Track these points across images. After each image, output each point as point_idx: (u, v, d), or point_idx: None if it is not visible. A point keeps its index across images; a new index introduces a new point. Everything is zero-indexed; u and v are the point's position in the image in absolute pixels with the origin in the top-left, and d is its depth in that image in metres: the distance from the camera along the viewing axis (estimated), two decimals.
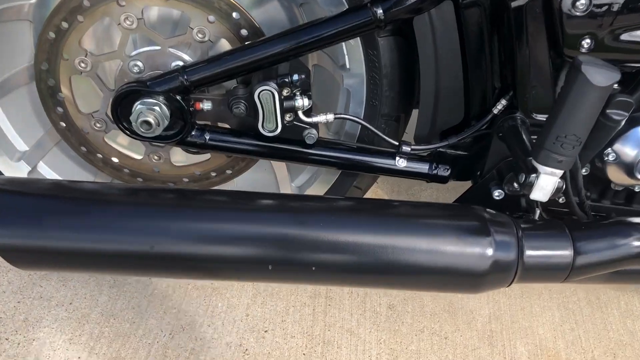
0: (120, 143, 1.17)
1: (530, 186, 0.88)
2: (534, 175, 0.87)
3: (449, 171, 1.09)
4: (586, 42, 0.91)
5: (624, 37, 0.92)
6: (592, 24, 0.90)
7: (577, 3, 0.88)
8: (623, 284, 1.42)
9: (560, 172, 0.87)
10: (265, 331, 1.31)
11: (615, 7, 0.89)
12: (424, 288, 1.02)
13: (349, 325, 1.33)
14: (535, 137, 0.98)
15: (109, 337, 1.27)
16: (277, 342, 1.29)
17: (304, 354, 1.28)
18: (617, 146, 1.05)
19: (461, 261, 0.96)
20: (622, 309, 1.42)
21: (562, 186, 0.89)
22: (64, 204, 0.96)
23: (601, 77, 0.80)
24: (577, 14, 0.89)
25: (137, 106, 0.98)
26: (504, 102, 1.01)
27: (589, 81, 0.79)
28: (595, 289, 1.46)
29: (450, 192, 1.68)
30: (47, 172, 1.23)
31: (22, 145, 1.20)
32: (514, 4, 0.90)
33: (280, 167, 1.23)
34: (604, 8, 0.89)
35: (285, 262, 0.95)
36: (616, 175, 1.08)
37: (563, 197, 1.08)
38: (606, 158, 1.06)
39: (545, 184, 0.87)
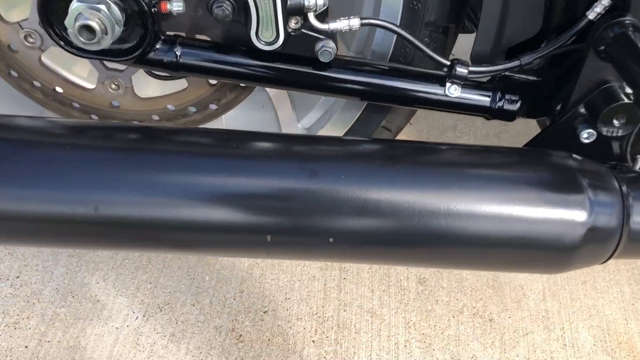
0: (64, 65, 0.86)
1: None
2: None
3: (519, 104, 0.79)
4: None
5: None
6: None
7: None
8: None
9: None
10: (265, 312, 1.04)
11: None
12: (486, 267, 0.74)
13: (370, 305, 1.05)
14: None
15: (65, 319, 1.00)
16: (280, 325, 1.02)
17: (313, 341, 1.00)
18: None
19: (542, 230, 0.67)
20: None
21: None
22: (17, 151, 0.66)
23: None
24: None
25: (75, 4, 0.67)
26: (605, 1, 0.69)
27: None
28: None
29: (493, 142, 1.37)
30: None
31: None
32: None
33: (282, 101, 0.92)
34: None
35: (290, 230, 0.66)
36: None
37: None
38: None
39: None
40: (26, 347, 0.96)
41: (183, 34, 0.76)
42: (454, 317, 1.05)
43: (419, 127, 1.40)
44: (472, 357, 1.01)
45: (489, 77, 0.78)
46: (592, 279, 1.14)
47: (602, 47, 0.69)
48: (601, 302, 1.10)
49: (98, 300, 1.03)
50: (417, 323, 1.04)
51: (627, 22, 0.68)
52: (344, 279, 1.09)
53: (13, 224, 0.64)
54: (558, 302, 1.09)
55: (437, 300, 1.07)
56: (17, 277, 1.05)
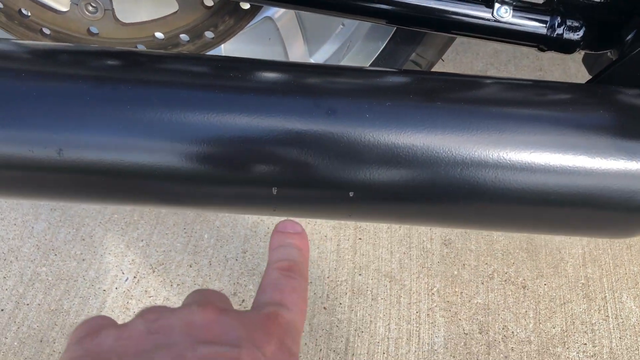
0: None
1: None
2: None
3: (582, 32, 0.64)
4: None
5: None
6: None
7: None
8: None
9: None
10: None
11: None
12: (543, 229, 0.61)
13: (388, 268, 0.94)
14: None
15: (46, 280, 0.89)
16: None
17: (324, 308, 0.89)
18: None
19: (613, 184, 0.54)
20: None
21: None
22: None
23: None
24: None
25: None
26: None
27: None
28: None
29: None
30: None
31: None
32: None
33: (291, 32, 0.78)
34: None
35: (301, 182, 0.53)
36: None
37: None
38: None
39: None
40: (2, 310, 0.86)
41: None
42: (482, 283, 0.93)
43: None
44: (503, 328, 0.89)
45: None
46: (637, 242, 1.01)
47: None
48: None
49: (83, 259, 0.92)
50: (442, 289, 0.92)
51: None
52: (360, 239, 0.97)
53: None
54: (600, 268, 0.97)
55: (464, 265, 0.95)
56: None
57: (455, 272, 0.94)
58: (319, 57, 0.81)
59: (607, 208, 0.55)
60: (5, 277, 0.89)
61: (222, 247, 0.95)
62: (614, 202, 0.55)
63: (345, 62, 0.79)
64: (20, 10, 0.72)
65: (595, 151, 0.53)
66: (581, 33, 0.64)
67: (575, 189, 0.54)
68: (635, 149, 0.54)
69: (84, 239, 0.94)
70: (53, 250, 0.92)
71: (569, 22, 0.63)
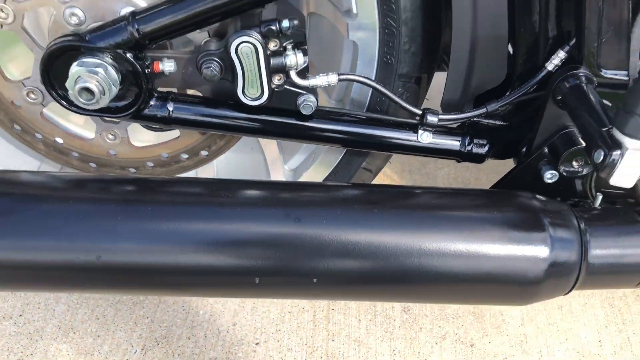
0: (65, 118, 0.92)
1: (611, 167, 0.64)
2: (617, 152, 0.63)
3: (487, 147, 0.85)
4: None
5: None
6: None
7: None
8: None
9: None
10: (257, 344, 1.08)
11: None
12: (459, 301, 0.79)
13: (357, 334, 1.11)
14: (607, 100, 0.74)
15: (67, 355, 1.05)
16: (271, 356, 1.07)
17: None
18: None
19: (507, 266, 0.73)
20: None
21: None
22: (14, 203, 0.71)
23: None
24: None
25: (75, 68, 0.73)
26: (562, 54, 0.76)
27: None
28: None
29: (472, 170, 1.44)
30: None
31: None
32: None
33: (269, 145, 0.99)
34: None
35: (276, 273, 0.71)
36: None
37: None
38: None
39: (635, 163, 0.63)
40: None
41: (174, 90, 0.82)
42: (437, 343, 1.11)
43: (403, 158, 1.46)
44: None
45: (459, 123, 0.85)
46: (568, 303, 1.20)
47: (559, 97, 0.76)
48: (576, 326, 1.16)
49: (98, 336, 1.08)
50: (402, 350, 1.09)
51: (580, 74, 0.75)
52: (332, 309, 1.14)
53: (27, 272, 0.69)
54: (536, 327, 1.15)
55: (420, 328, 1.13)
56: (20, 315, 1.09)
57: (414, 335, 1.11)
58: (292, 164, 1.02)
59: (508, 283, 0.74)
60: (31, 355, 1.04)
61: (215, 321, 1.11)
62: (511, 279, 0.74)
63: (313, 167, 0.99)
64: (55, 140, 0.91)
65: (495, 242, 0.73)
66: (487, 148, 0.85)
67: (482, 271, 0.73)
68: (524, 239, 0.73)
69: (98, 318, 1.10)
70: (72, 329, 1.08)
71: (476, 141, 0.85)
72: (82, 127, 0.93)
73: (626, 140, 0.62)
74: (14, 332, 1.07)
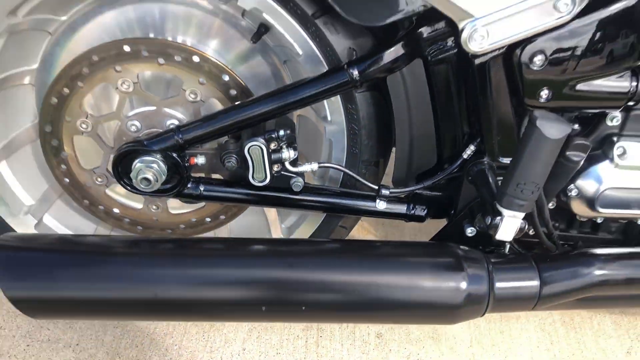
0: (121, 194, 1.26)
1: (495, 227, 0.97)
2: (498, 217, 0.97)
3: (426, 211, 1.19)
4: (544, 93, 1.02)
5: (578, 87, 1.03)
6: (549, 77, 1.01)
7: (535, 59, 0.98)
8: (591, 309, 1.51)
9: (521, 215, 0.97)
10: None
11: (569, 64, 0.99)
12: (404, 321, 1.11)
13: (340, 355, 1.41)
14: (501, 179, 1.08)
15: None
16: None
17: None
18: (579, 182, 1.15)
19: (438, 295, 1.05)
20: (594, 329, 1.52)
21: (525, 226, 0.99)
22: (70, 257, 1.04)
23: (554, 130, 0.90)
24: (535, 68, 0.99)
25: (137, 164, 1.07)
26: (472, 147, 1.11)
27: (543, 134, 0.89)
28: (569, 311, 1.55)
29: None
30: (52, 223, 1.31)
31: (28, 200, 1.28)
32: (477, 61, 1.00)
33: (270, 210, 1.32)
34: (559, 64, 0.99)
35: (277, 303, 1.04)
36: (580, 209, 1.18)
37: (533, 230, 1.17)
38: (570, 193, 1.16)
39: (509, 226, 0.96)
40: None
41: (204, 175, 1.16)
42: None
43: None
44: None
45: (405, 194, 1.18)
46: (508, 328, 1.51)
47: (470, 177, 1.10)
48: (514, 346, 1.47)
49: (138, 359, 1.38)
50: None
51: (485, 161, 1.10)
52: (321, 336, 1.45)
53: (105, 306, 1.01)
54: (482, 347, 1.46)
55: (390, 350, 1.43)
56: (77, 344, 1.40)
57: (385, 355, 1.42)
58: (287, 223, 1.35)
59: (438, 309, 1.06)
60: None
61: (229, 346, 1.42)
62: (440, 306, 1.06)
63: (303, 225, 1.31)
64: (113, 210, 1.25)
65: (428, 281, 1.05)
66: (425, 212, 1.19)
67: (420, 301, 1.05)
68: (449, 278, 1.05)
69: (137, 346, 1.40)
70: (117, 354, 1.38)
71: (418, 207, 1.18)
72: (133, 200, 1.26)
73: (503, 211, 0.96)
74: (73, 358, 1.37)
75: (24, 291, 1.00)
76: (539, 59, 0.98)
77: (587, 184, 1.15)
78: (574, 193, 1.16)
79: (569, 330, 1.51)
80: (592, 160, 1.14)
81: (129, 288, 1.02)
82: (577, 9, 0.93)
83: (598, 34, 0.97)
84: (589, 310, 1.55)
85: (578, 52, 0.98)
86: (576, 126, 1.14)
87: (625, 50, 0.99)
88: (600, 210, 1.16)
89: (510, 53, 0.98)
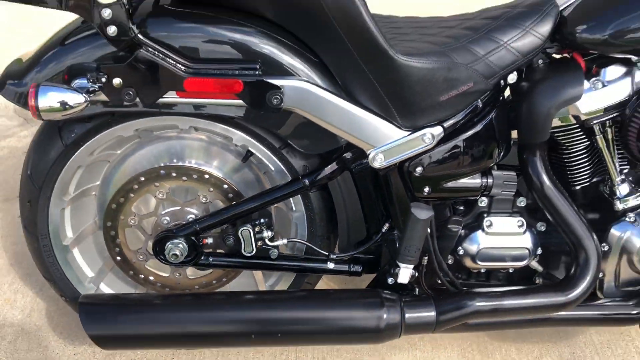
0: (155, 267, 1.83)
1: (397, 275, 1.55)
2: (397, 268, 1.55)
3: (361, 268, 1.76)
4: (426, 190, 1.62)
5: (447, 185, 1.63)
6: (428, 180, 1.61)
7: (417, 169, 1.59)
8: (477, 331, 2.04)
9: (411, 266, 1.55)
10: None
11: (438, 171, 1.60)
12: (346, 342, 1.66)
13: None
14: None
15: None
16: None
17: None
18: (464, 245, 1.73)
19: (367, 324, 1.61)
20: (503, 354, 2.04)
21: (415, 274, 1.57)
22: (127, 307, 1.60)
23: (423, 214, 1.49)
24: (418, 175, 1.60)
25: (168, 245, 1.65)
26: (387, 225, 1.70)
27: (416, 216, 1.49)
28: (484, 339, 2.09)
29: None
30: (106, 289, 1.87)
31: (90, 273, 1.85)
32: (381, 172, 1.61)
33: (257, 273, 1.89)
34: (432, 172, 1.60)
35: (262, 333, 1.60)
36: (467, 263, 1.75)
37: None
38: (459, 252, 1.74)
39: (403, 274, 1.54)
40: None
41: (212, 250, 1.74)
42: None
43: None
44: None
45: (347, 257, 1.76)
46: (437, 356, 2.04)
47: (386, 244, 1.68)
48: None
49: None
50: None
51: (395, 234, 1.68)
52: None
53: (160, 338, 1.56)
54: None
55: None
56: None
57: None
58: (270, 281, 1.91)
59: (365, 333, 1.61)
60: None
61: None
62: (369, 331, 1.61)
63: (281, 282, 1.87)
64: (149, 277, 1.81)
65: (360, 314, 1.61)
66: (361, 269, 1.76)
67: (354, 326, 1.60)
68: (375, 313, 1.61)
69: None
70: None
71: (356, 266, 1.75)
72: (163, 270, 1.83)
73: (399, 264, 1.54)
74: None
75: (99, 331, 1.56)
76: (419, 169, 1.59)
77: (469, 246, 1.73)
78: (461, 252, 1.74)
79: (484, 356, 2.04)
80: (470, 229, 1.73)
81: (164, 325, 1.58)
82: (436, 141, 1.55)
83: (453, 153, 1.59)
84: (500, 339, 2.09)
85: (443, 164, 1.59)
86: (461, 207, 1.73)
87: (473, 162, 1.60)
88: (480, 263, 1.74)
89: (401, 166, 1.59)
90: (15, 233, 2.43)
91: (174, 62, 1.39)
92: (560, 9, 1.57)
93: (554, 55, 1.64)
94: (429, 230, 1.54)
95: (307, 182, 1.62)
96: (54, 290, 1.85)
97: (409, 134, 1.54)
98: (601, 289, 1.79)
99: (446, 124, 1.55)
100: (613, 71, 1.57)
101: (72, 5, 1.30)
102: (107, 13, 1.29)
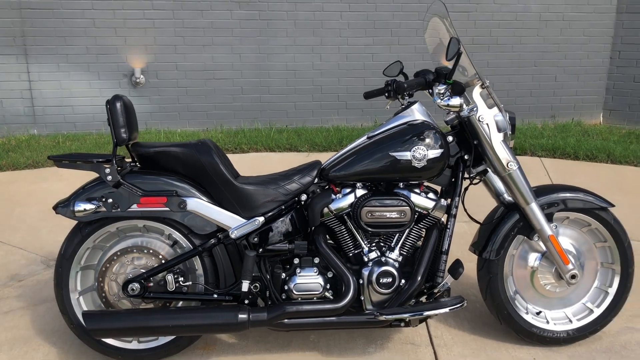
0: (122, 304, 3.36)
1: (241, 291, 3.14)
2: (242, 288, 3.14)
3: (232, 298, 3.32)
4: (261, 249, 3.28)
5: (273, 247, 3.30)
6: (261, 243, 3.28)
7: (254, 239, 3.27)
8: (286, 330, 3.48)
9: (247, 282, 3.14)
10: None
11: (264, 240, 3.28)
12: (218, 331, 3.14)
13: None
14: None
15: None
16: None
17: None
18: (288, 283, 3.32)
19: (228, 320, 3.13)
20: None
21: (253, 290, 3.16)
22: (114, 315, 3.14)
23: (252, 259, 3.15)
24: (254, 242, 3.27)
25: (129, 285, 3.23)
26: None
27: (248, 255, 3.14)
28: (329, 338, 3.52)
29: None
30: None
31: (85, 308, 3.36)
32: (237, 242, 3.28)
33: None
34: (261, 240, 3.28)
35: (177, 326, 3.12)
36: (290, 294, 3.32)
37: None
38: (284, 287, 3.32)
39: (245, 287, 3.13)
40: None
41: None
42: None
43: None
44: None
45: (223, 292, 3.32)
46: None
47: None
48: None
49: None
50: None
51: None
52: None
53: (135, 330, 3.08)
54: None
55: None
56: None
57: None
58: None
59: (230, 326, 3.13)
60: None
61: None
62: (231, 325, 3.13)
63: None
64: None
65: (226, 315, 3.15)
66: (231, 298, 3.32)
67: (221, 322, 3.13)
68: (234, 315, 3.15)
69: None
70: None
71: (226, 297, 3.31)
72: (126, 305, 3.37)
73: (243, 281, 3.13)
74: None
75: (93, 326, 3.07)
76: (255, 239, 3.27)
77: (290, 284, 3.33)
78: (286, 287, 3.32)
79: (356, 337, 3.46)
80: (289, 274, 3.35)
81: (130, 322, 3.10)
82: (261, 224, 3.26)
83: (271, 229, 3.29)
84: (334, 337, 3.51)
85: (266, 235, 3.28)
86: (285, 261, 3.37)
87: (283, 235, 3.30)
88: (295, 293, 3.31)
89: (247, 237, 3.27)
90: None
91: (135, 190, 3.15)
92: (322, 165, 3.39)
93: (321, 185, 3.43)
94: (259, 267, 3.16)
95: (200, 249, 3.27)
96: (65, 321, 3.35)
97: (248, 221, 3.25)
98: (364, 304, 3.34)
99: (266, 216, 3.28)
100: (346, 190, 3.34)
101: (91, 168, 3.10)
102: (107, 171, 3.08)
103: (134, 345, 3.26)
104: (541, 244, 3.43)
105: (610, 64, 9.34)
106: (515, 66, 9.10)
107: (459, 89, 3.14)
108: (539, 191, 3.47)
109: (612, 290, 3.60)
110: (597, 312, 3.59)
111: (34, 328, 3.76)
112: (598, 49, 9.27)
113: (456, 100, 3.10)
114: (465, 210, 3.54)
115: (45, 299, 4.13)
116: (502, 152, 3.27)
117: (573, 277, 3.42)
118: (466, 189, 3.49)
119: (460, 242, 4.70)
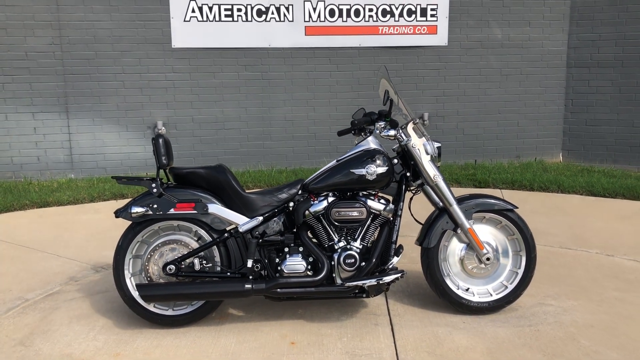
0: (160, 279, 4.68)
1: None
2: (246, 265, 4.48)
3: (240, 275, 4.63)
4: (261, 240, 4.63)
5: (268, 239, 4.65)
6: (261, 235, 4.64)
7: (256, 233, 4.62)
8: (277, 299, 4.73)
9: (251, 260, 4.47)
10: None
11: (261, 231, 4.64)
12: (226, 297, 4.42)
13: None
14: None
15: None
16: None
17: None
18: (281, 265, 4.65)
19: (239, 289, 4.45)
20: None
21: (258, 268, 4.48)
22: (160, 285, 4.47)
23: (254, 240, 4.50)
24: (256, 234, 4.62)
25: (167, 266, 4.56)
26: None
27: (251, 239, 4.49)
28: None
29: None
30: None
31: (134, 288, 4.68)
32: (245, 235, 4.63)
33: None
34: (261, 232, 4.64)
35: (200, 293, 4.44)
36: (281, 271, 4.65)
37: None
38: (278, 266, 4.65)
39: (249, 264, 4.46)
40: None
41: None
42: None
43: None
44: None
45: (235, 271, 4.63)
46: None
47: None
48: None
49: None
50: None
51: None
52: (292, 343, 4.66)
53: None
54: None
55: (307, 352, 4.64)
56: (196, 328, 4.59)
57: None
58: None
59: (236, 293, 4.44)
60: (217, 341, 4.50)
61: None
62: (235, 292, 4.44)
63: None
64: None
65: (235, 283, 4.46)
66: (240, 275, 4.64)
67: (230, 290, 4.44)
68: (242, 284, 4.46)
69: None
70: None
71: (236, 274, 4.63)
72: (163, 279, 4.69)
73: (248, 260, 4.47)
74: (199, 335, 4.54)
75: (144, 292, 4.38)
76: (257, 232, 4.62)
77: (282, 265, 4.66)
78: (279, 268, 4.64)
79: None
80: (281, 259, 4.69)
81: (168, 290, 4.41)
82: (260, 221, 4.62)
83: (268, 225, 4.64)
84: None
85: (263, 228, 4.64)
86: (278, 247, 4.71)
87: (275, 229, 4.65)
88: (286, 271, 4.64)
89: (252, 232, 4.62)
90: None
91: (173, 198, 4.54)
92: (304, 181, 4.78)
93: (304, 195, 4.80)
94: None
95: (217, 240, 4.61)
96: (120, 295, 4.66)
97: (251, 219, 4.62)
98: (335, 279, 4.63)
99: (264, 216, 4.65)
100: (321, 198, 4.71)
101: (143, 184, 4.52)
102: (153, 185, 4.49)
103: (170, 312, 4.49)
104: (464, 236, 4.75)
105: (565, 110, 10.79)
106: (482, 114, 10.57)
107: (394, 124, 4.60)
108: (463, 199, 4.82)
109: (521, 271, 4.86)
110: (510, 287, 4.85)
111: (92, 309, 5.05)
112: (553, 98, 10.76)
113: (392, 132, 4.54)
114: (411, 214, 4.87)
115: (98, 291, 5.43)
116: (430, 169, 4.66)
117: (488, 259, 4.72)
118: (411, 198, 4.85)
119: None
